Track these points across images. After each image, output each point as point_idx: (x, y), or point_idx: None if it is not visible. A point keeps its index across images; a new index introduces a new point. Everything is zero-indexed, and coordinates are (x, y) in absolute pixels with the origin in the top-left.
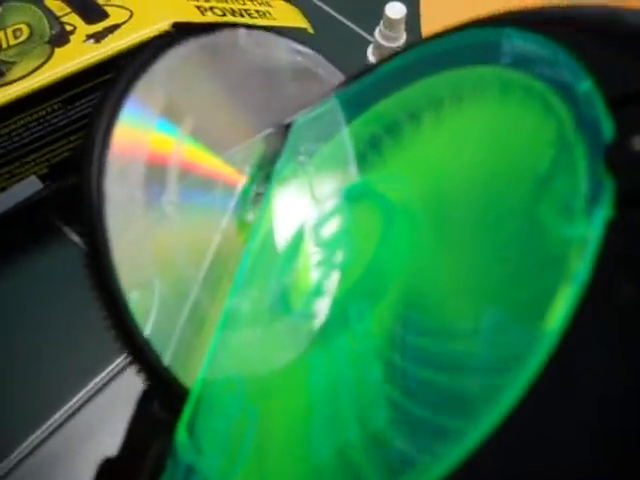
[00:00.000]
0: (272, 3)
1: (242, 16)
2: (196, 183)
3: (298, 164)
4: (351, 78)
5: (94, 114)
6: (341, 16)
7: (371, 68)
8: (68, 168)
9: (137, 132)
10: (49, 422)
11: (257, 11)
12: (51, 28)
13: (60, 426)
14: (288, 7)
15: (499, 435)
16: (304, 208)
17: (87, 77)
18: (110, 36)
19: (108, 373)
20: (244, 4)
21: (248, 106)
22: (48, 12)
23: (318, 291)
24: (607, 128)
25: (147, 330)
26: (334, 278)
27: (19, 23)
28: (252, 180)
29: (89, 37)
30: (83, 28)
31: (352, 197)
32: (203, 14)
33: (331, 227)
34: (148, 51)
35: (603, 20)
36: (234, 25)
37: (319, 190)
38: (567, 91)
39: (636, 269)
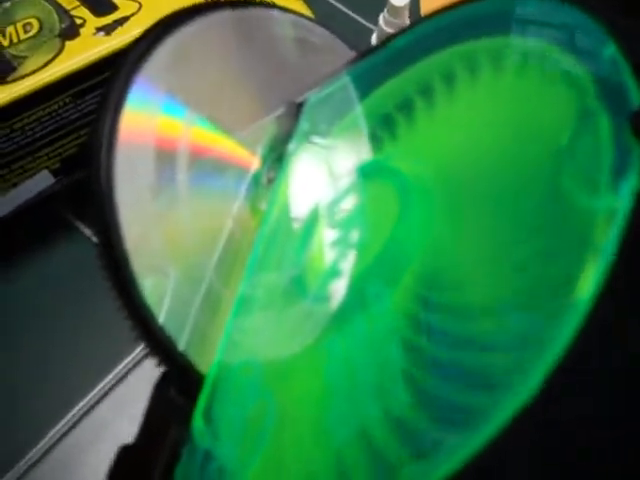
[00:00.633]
0: None
1: None
2: (207, 167)
3: (311, 144)
4: (362, 54)
5: (101, 102)
6: (343, 6)
7: (382, 44)
8: (79, 162)
9: (144, 117)
10: (57, 427)
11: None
12: (61, 21)
13: (68, 430)
14: None
15: (527, 412)
16: (318, 188)
17: (98, 70)
18: (120, 28)
19: (116, 375)
20: None
21: (259, 86)
22: (57, 5)
23: (334, 272)
24: (634, 94)
25: (162, 316)
26: (350, 258)
27: (29, 17)
28: (264, 161)
29: (99, 30)
30: (92, 21)
31: (366, 175)
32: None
33: (346, 206)
34: (151, 35)
35: None
36: (247, 3)
37: (333, 169)
38: (589, 58)
39: None
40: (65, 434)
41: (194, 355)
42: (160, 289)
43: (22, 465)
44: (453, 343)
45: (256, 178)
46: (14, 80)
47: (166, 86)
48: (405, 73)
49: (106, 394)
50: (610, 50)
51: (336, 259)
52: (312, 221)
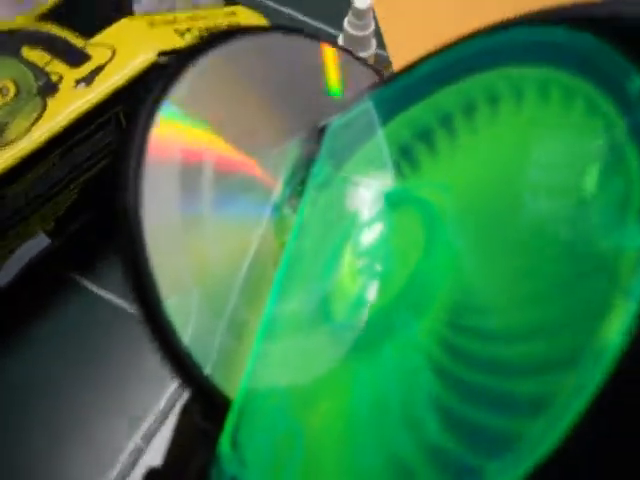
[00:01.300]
0: (237, 13)
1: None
2: (231, 189)
3: (334, 168)
4: (386, 79)
5: (129, 127)
6: (302, 15)
7: (407, 69)
8: (73, 217)
9: (169, 142)
10: None
11: (228, 25)
12: (37, 80)
13: None
14: (253, 15)
15: (563, 438)
16: (342, 214)
17: (84, 122)
18: (99, 77)
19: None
20: (215, 19)
21: (282, 110)
22: (29, 64)
23: (360, 301)
24: None
25: (186, 338)
26: (376, 287)
27: (3, 80)
28: (287, 185)
29: (79, 82)
30: (70, 74)
31: (392, 203)
32: (182, 37)
33: (372, 234)
34: (182, 59)
35: None
36: (271, 28)
37: (357, 195)
38: (616, 90)
39: None
40: None
41: (220, 379)
42: (185, 311)
43: None
44: (481, 368)
45: (279, 202)
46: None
47: (190, 110)
48: (427, 100)
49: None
50: (637, 82)
51: (362, 287)
52: (337, 248)
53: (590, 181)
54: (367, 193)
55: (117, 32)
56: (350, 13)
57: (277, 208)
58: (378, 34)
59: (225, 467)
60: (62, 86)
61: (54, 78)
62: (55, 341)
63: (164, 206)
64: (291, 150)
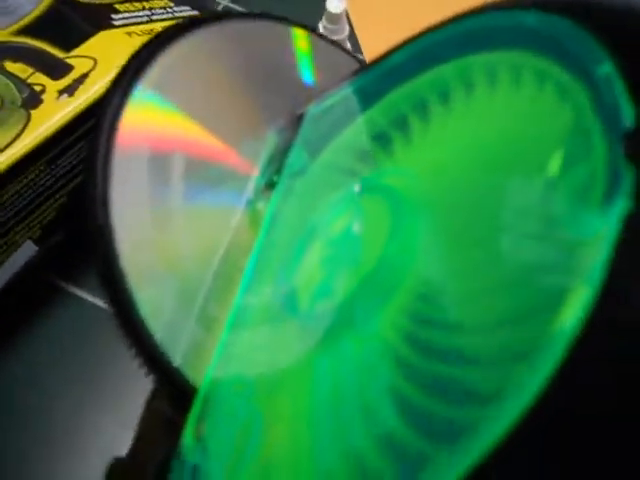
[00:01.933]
0: None
1: None
2: (206, 178)
3: (310, 156)
4: (363, 68)
5: (99, 114)
6: None
7: (382, 57)
8: (59, 225)
9: (143, 125)
10: None
11: None
12: (20, 92)
13: None
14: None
15: (516, 426)
16: (315, 202)
17: (68, 131)
18: (81, 87)
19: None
20: None
21: (259, 97)
22: (12, 77)
23: (325, 291)
24: (627, 114)
25: (157, 329)
26: (341, 277)
27: None
28: (264, 173)
29: (61, 92)
30: (52, 85)
31: (361, 191)
32: None
33: (341, 223)
34: (144, 52)
35: (624, 2)
36: (249, 15)
37: (330, 184)
38: (586, 75)
39: None
40: None
41: (189, 370)
42: (156, 304)
43: None
44: (441, 358)
45: (254, 191)
46: None
47: (164, 94)
48: (402, 88)
49: None
50: (606, 68)
51: (327, 277)
52: (306, 237)
53: (556, 167)
54: (341, 181)
55: (97, 43)
56: (324, 17)
57: (252, 198)
58: (353, 38)
59: (187, 456)
60: (45, 97)
61: (37, 89)
62: (43, 347)
63: (134, 197)
64: (268, 138)
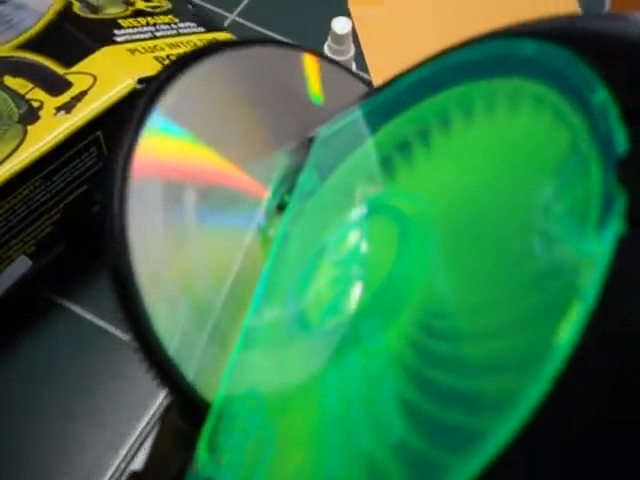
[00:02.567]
0: (219, 39)
1: None
2: (219, 200)
3: (320, 178)
4: (373, 91)
5: (116, 140)
6: (285, 39)
7: (388, 83)
8: (54, 240)
9: (158, 150)
10: None
11: None
12: (18, 107)
13: None
14: (232, 38)
15: (524, 434)
16: (324, 223)
17: (64, 149)
18: (79, 104)
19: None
20: (194, 46)
21: (271, 120)
22: (11, 92)
23: (335, 308)
24: (620, 141)
25: (171, 347)
26: (351, 294)
27: None
28: (275, 194)
29: (59, 109)
30: (50, 101)
31: (370, 211)
32: (163, 64)
33: (349, 243)
34: (161, 77)
35: (617, 30)
36: (261, 41)
37: (339, 204)
38: (582, 102)
39: None
40: None
41: (202, 386)
42: (170, 321)
43: None
44: (448, 368)
45: (266, 212)
46: None
47: (178, 121)
48: (405, 114)
49: None
50: (601, 96)
51: (337, 295)
52: (316, 257)
53: (553, 190)
54: (349, 202)
55: (98, 60)
56: (330, 38)
57: (264, 219)
58: (360, 58)
59: (201, 469)
60: (43, 113)
61: (35, 105)
62: (38, 360)
63: (150, 219)
64: (279, 160)
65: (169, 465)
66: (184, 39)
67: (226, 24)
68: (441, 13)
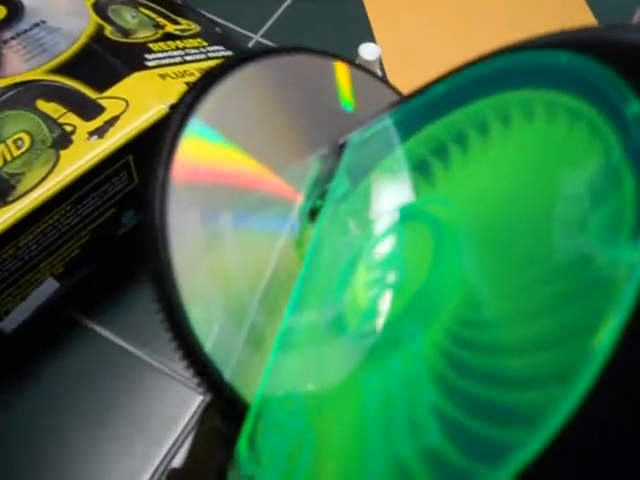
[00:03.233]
0: None
1: None
2: (254, 203)
3: (352, 183)
4: (404, 98)
5: (157, 142)
6: None
7: (421, 90)
8: (82, 262)
9: (196, 155)
10: None
11: None
12: (51, 132)
13: None
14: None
15: (555, 446)
16: (358, 227)
17: (96, 173)
18: (111, 129)
19: None
20: None
21: (303, 126)
22: (44, 116)
23: (371, 312)
24: None
25: (209, 346)
26: (387, 298)
27: (18, 132)
28: (308, 199)
29: (92, 134)
30: (83, 126)
31: (405, 217)
32: None
33: (385, 247)
34: (197, 87)
35: None
36: (294, 49)
37: (372, 210)
38: (615, 113)
39: None
40: None
41: (239, 385)
42: (208, 321)
43: None
44: (482, 379)
45: (299, 216)
46: (14, 200)
47: (216, 127)
48: (440, 121)
49: None
50: (634, 108)
51: (374, 299)
52: (352, 260)
53: (589, 201)
54: (382, 208)
55: (130, 85)
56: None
57: (298, 221)
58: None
59: (243, 467)
60: (75, 138)
61: (68, 130)
62: (62, 382)
63: (188, 220)
64: (312, 165)
65: (209, 463)
66: (213, 63)
67: (250, 44)
68: (460, 33)
